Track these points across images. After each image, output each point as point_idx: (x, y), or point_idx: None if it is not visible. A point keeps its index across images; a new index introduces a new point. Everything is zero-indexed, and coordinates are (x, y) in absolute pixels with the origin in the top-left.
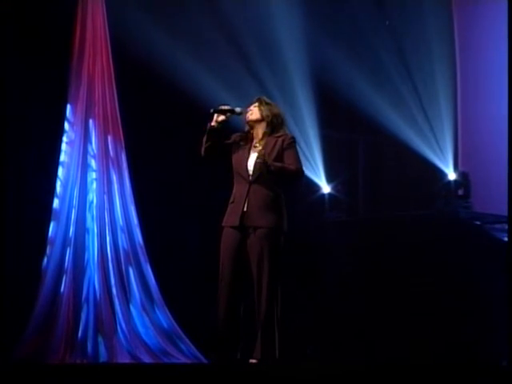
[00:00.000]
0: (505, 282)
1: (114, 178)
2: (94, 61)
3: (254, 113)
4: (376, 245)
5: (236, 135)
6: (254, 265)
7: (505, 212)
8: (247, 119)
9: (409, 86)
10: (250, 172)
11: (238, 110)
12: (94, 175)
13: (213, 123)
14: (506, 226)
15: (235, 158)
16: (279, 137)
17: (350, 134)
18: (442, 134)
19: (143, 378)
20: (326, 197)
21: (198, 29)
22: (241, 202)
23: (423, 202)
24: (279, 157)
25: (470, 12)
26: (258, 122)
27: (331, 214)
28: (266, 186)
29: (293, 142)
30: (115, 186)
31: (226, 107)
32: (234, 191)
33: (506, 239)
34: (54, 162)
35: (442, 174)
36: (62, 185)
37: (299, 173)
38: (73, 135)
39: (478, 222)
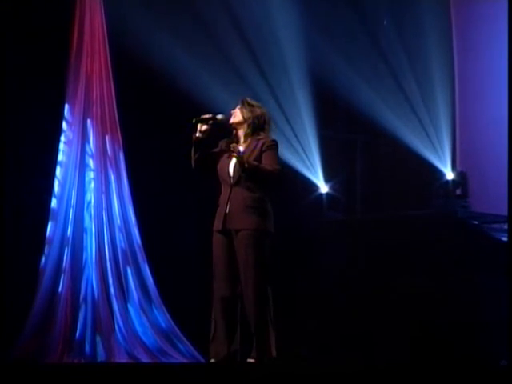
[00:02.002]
0: (504, 282)
1: (112, 177)
2: (92, 60)
3: (236, 115)
4: (374, 244)
5: (223, 141)
6: (240, 267)
7: (503, 211)
8: (230, 122)
9: (407, 85)
10: (231, 175)
11: (219, 117)
12: (91, 175)
13: (197, 134)
14: (505, 226)
15: (220, 162)
16: (260, 139)
17: (348, 133)
18: (440, 134)
19: (141, 378)
20: (324, 196)
21: (196, 28)
22: (223, 206)
23: (421, 202)
24: (258, 159)
25: (468, 11)
26: (240, 124)
27: (329, 214)
28: (247, 188)
29: (273, 145)
30: (113, 186)
31: (207, 116)
32: (220, 195)
33: (504, 239)
34: (52, 162)
35: (440, 174)
36: (59, 184)
37: (275, 173)
38: (71, 135)
39: (476, 222)
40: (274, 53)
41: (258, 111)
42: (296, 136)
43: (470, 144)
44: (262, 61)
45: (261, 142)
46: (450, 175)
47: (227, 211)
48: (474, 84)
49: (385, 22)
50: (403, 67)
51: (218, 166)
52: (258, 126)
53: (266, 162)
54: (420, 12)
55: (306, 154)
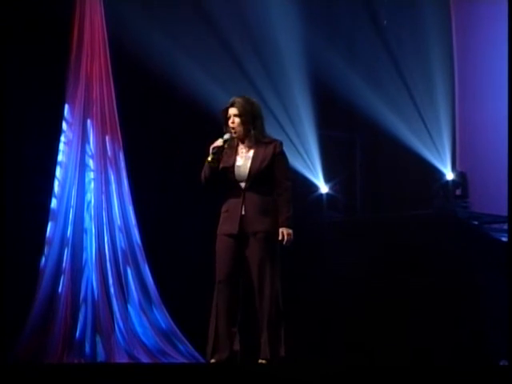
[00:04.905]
0: (504, 282)
1: (112, 177)
2: (92, 60)
3: (234, 121)
4: (374, 245)
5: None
6: (254, 269)
7: (503, 212)
8: (230, 127)
9: (406, 85)
10: (243, 178)
11: (226, 137)
12: (91, 175)
13: (212, 162)
14: (504, 226)
15: (224, 166)
16: (268, 143)
17: (348, 133)
18: (440, 134)
19: (141, 378)
20: (324, 197)
21: (195, 29)
22: (237, 210)
23: (421, 202)
24: (271, 164)
25: (468, 11)
26: (239, 126)
27: (329, 214)
28: (260, 191)
29: (283, 150)
30: (113, 186)
31: (219, 143)
32: (227, 199)
33: (503, 239)
34: (52, 162)
35: (440, 174)
36: (59, 185)
37: (290, 188)
38: (71, 135)
39: (476, 222)
40: (274, 52)
41: (249, 107)
42: (296, 136)
43: (469, 144)
44: (262, 61)
45: (271, 146)
46: (449, 175)
47: (243, 213)
48: (474, 84)
49: (385, 23)
50: (403, 67)
51: (224, 169)
52: (253, 118)
53: (280, 175)
54: (420, 12)
55: (306, 154)
